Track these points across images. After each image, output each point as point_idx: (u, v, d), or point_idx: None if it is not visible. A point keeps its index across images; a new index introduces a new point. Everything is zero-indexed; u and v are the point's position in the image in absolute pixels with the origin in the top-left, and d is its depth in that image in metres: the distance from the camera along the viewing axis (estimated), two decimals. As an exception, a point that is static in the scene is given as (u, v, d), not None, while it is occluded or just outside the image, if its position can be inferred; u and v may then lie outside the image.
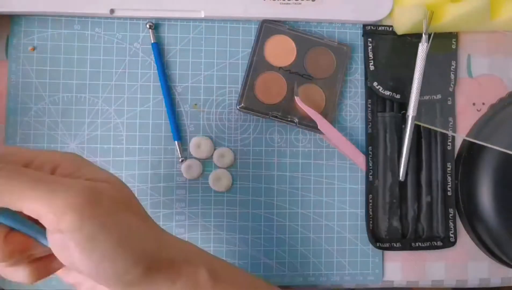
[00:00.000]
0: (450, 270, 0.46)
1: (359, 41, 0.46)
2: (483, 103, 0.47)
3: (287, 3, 0.44)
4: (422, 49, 0.43)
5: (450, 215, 0.45)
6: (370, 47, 0.45)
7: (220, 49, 0.45)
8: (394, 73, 0.45)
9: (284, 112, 0.44)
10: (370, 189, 0.45)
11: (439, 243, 0.45)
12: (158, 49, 0.44)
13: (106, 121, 0.44)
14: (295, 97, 0.43)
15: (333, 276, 0.45)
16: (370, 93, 0.45)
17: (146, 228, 0.29)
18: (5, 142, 0.42)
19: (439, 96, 0.45)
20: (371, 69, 0.45)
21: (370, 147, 0.45)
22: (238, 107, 0.44)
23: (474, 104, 0.47)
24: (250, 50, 0.44)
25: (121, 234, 0.26)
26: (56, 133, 0.43)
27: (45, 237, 0.27)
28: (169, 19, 0.44)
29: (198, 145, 0.44)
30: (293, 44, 0.44)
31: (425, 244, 0.44)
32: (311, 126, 0.44)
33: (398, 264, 0.45)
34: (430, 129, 0.45)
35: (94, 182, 0.27)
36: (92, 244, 0.25)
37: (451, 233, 0.45)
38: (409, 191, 0.45)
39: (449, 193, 0.45)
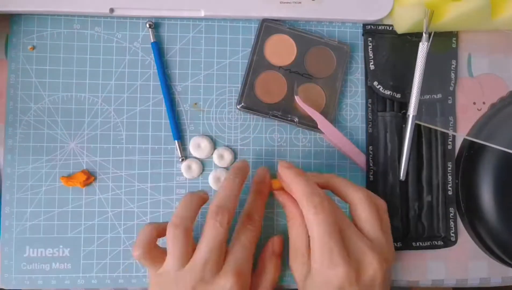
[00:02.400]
0: (450, 270, 0.46)
1: (359, 41, 0.46)
2: (484, 103, 0.47)
3: (287, 2, 0.44)
4: (423, 48, 0.43)
5: (451, 214, 0.45)
6: (370, 47, 0.45)
7: (220, 48, 0.45)
8: (394, 72, 0.45)
9: (284, 111, 0.44)
10: (371, 188, 0.44)
11: (440, 243, 0.45)
12: (158, 48, 0.44)
13: (105, 120, 0.43)
14: (295, 96, 0.43)
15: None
16: (371, 92, 0.45)
17: None
18: (4, 141, 0.42)
19: (439, 96, 0.45)
20: (372, 68, 0.45)
21: (370, 147, 0.45)
22: (238, 107, 0.44)
23: (474, 103, 0.46)
24: (250, 49, 0.44)
25: None
26: (55, 132, 0.43)
27: None
28: (169, 18, 0.44)
29: (198, 144, 0.44)
30: (293, 44, 0.44)
31: (426, 244, 0.44)
32: (311, 125, 0.43)
33: (398, 263, 0.45)
34: (430, 128, 0.45)
35: None
36: None
37: (452, 233, 0.45)
38: (410, 191, 0.45)
39: (450, 193, 0.45)
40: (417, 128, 0.45)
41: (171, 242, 0.37)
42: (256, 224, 0.40)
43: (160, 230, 0.39)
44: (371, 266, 0.36)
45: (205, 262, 0.36)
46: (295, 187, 0.38)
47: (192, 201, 0.39)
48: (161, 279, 0.38)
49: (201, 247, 0.37)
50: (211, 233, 0.37)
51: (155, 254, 0.38)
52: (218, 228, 0.37)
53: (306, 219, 0.37)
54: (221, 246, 0.37)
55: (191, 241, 0.38)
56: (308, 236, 0.38)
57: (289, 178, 0.39)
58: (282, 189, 0.41)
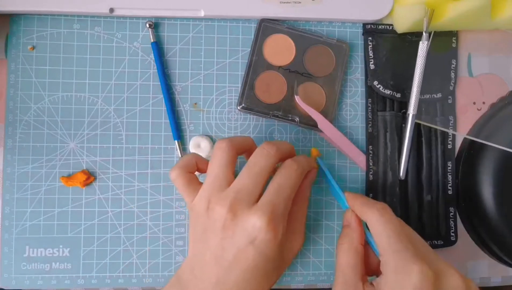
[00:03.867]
0: (451, 270, 0.46)
1: (359, 40, 0.46)
2: (484, 102, 0.47)
3: (287, 2, 0.44)
4: (422, 47, 0.43)
5: (451, 214, 0.45)
6: (370, 46, 0.45)
7: (220, 48, 0.45)
8: (394, 72, 0.45)
9: (285, 111, 0.44)
10: (370, 188, 0.44)
11: (440, 242, 0.45)
12: (158, 48, 0.44)
13: (105, 120, 0.43)
14: (295, 96, 0.43)
15: (333, 275, 0.45)
16: (370, 92, 0.45)
17: None
18: (4, 141, 0.42)
19: (439, 95, 0.45)
20: (371, 68, 0.45)
21: (370, 146, 0.45)
22: (238, 108, 0.43)
23: (474, 103, 0.46)
24: (250, 49, 0.44)
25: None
26: (55, 132, 0.43)
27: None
28: (169, 18, 0.44)
29: (198, 144, 0.44)
30: (292, 43, 0.44)
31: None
32: (313, 125, 0.43)
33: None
34: (430, 128, 0.45)
35: None
36: None
37: (452, 232, 0.45)
38: (410, 190, 0.45)
39: (450, 192, 0.45)
40: (417, 128, 0.45)
41: (214, 160, 0.36)
42: (301, 165, 0.38)
43: (202, 164, 0.38)
44: (454, 277, 0.32)
45: (241, 188, 0.34)
46: (357, 201, 0.38)
47: (249, 139, 0.38)
48: (194, 208, 0.36)
49: (241, 174, 0.35)
50: (255, 159, 0.35)
51: (191, 180, 0.37)
52: (264, 156, 0.35)
53: (371, 225, 0.36)
54: (262, 176, 0.35)
55: (233, 168, 0.36)
56: (362, 267, 0.36)
57: (352, 202, 0.39)
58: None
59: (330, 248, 0.45)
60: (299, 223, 0.39)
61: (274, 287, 0.44)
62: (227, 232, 0.34)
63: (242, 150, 0.38)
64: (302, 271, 0.44)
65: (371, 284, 0.35)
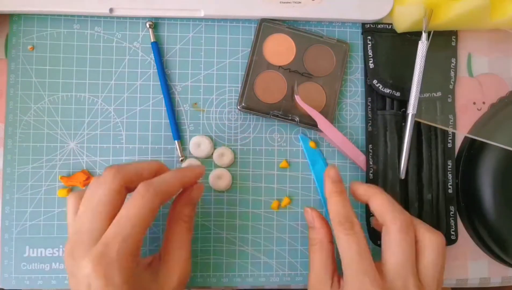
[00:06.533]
0: (450, 269, 0.46)
1: (359, 40, 0.46)
2: (484, 102, 0.47)
3: (287, 2, 0.44)
4: (422, 46, 0.43)
5: (451, 213, 0.45)
6: (369, 45, 0.45)
7: (220, 48, 0.45)
8: (394, 71, 0.45)
9: (285, 111, 0.44)
10: (371, 188, 0.44)
11: (440, 242, 0.45)
12: (158, 48, 0.44)
13: (105, 120, 0.43)
14: (295, 96, 0.43)
15: (333, 275, 0.45)
16: (370, 91, 0.45)
17: None
18: (4, 141, 0.42)
19: (439, 94, 0.45)
20: (371, 67, 0.45)
21: (370, 146, 0.45)
22: (238, 107, 0.44)
23: (474, 103, 0.46)
24: (250, 49, 0.44)
25: None
26: (55, 132, 0.43)
27: None
28: (169, 18, 0.44)
29: (198, 144, 0.44)
30: (292, 43, 0.44)
31: (426, 243, 0.44)
32: (312, 124, 0.43)
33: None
34: (430, 127, 0.45)
35: None
36: None
37: (452, 231, 0.45)
38: (410, 189, 0.44)
39: (450, 191, 0.45)
40: (416, 127, 0.44)
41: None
42: (154, 188, 0.33)
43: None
44: None
45: (79, 228, 0.32)
46: (331, 206, 0.38)
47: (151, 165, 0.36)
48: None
49: (79, 210, 0.33)
50: (90, 190, 0.33)
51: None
52: (99, 184, 0.33)
53: (337, 238, 0.36)
54: (99, 210, 0.32)
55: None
56: (332, 263, 0.38)
57: (328, 192, 0.38)
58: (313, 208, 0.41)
59: (330, 248, 0.45)
60: (177, 251, 0.36)
61: (274, 287, 0.44)
62: (71, 279, 0.32)
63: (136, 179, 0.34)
64: (302, 271, 0.44)
65: (342, 278, 0.37)
